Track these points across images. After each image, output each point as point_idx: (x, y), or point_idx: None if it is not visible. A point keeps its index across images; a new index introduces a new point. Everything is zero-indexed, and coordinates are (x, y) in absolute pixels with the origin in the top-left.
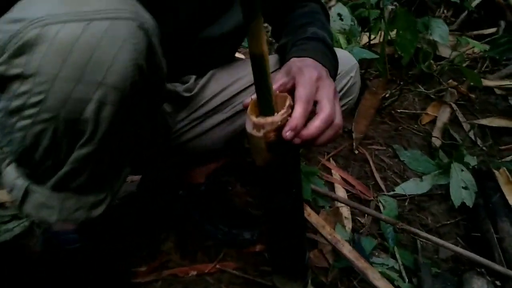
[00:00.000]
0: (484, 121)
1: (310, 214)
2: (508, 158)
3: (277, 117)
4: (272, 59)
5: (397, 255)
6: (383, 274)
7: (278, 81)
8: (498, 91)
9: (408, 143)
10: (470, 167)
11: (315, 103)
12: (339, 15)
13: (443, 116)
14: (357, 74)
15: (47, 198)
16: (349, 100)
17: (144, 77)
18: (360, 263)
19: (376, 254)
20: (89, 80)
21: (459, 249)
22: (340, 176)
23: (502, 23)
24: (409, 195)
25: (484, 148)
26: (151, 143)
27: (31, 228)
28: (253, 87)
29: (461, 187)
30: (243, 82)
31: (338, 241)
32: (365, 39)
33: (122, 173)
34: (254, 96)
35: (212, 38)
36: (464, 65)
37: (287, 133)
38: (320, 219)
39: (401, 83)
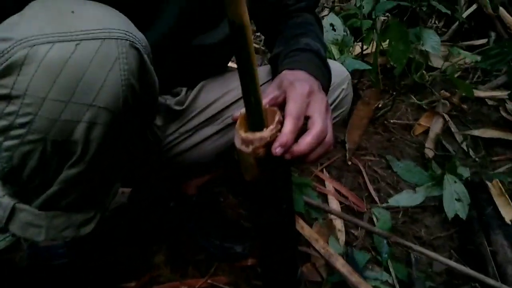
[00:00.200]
0: (476, 132)
1: (303, 227)
2: (501, 169)
3: (266, 133)
4: (264, 70)
5: (391, 269)
6: None
7: (269, 94)
8: (490, 102)
9: (401, 154)
10: (463, 178)
11: (306, 118)
12: (332, 25)
13: (436, 126)
14: (349, 86)
15: (34, 217)
16: (341, 112)
17: (136, 97)
18: (354, 277)
19: (370, 267)
20: (79, 102)
21: (453, 263)
22: (334, 187)
23: (493, 34)
24: (402, 207)
25: (476, 159)
26: (142, 157)
27: (18, 243)
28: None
29: (455, 199)
30: (234, 94)
31: (331, 255)
32: (357, 49)
33: (112, 190)
34: (243, 110)
35: (204, 47)
36: (456, 75)
37: (276, 149)
38: (313, 232)
39: (394, 93)
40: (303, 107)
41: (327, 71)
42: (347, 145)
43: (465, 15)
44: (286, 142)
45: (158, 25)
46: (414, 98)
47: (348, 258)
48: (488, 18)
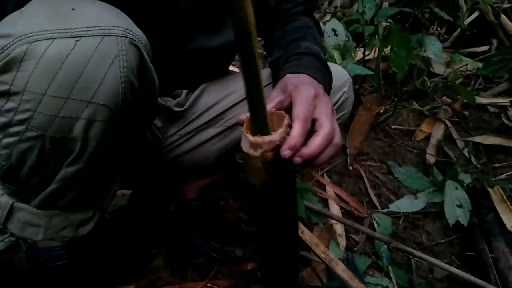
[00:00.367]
0: (478, 139)
1: (304, 232)
2: (502, 176)
3: (275, 136)
4: (264, 73)
5: (392, 275)
6: None
7: (274, 99)
8: (491, 109)
9: (403, 160)
10: (464, 185)
11: (313, 121)
12: (334, 30)
13: (437, 133)
14: (350, 89)
15: (33, 216)
16: (342, 115)
17: (135, 94)
18: (354, 283)
19: (370, 273)
20: (78, 98)
21: (454, 270)
22: (334, 192)
23: (494, 42)
24: (403, 212)
25: (478, 165)
26: (141, 158)
27: (17, 244)
28: (244, 102)
29: (456, 205)
30: (235, 97)
31: (332, 260)
32: (359, 55)
33: (111, 190)
34: (248, 113)
35: (205, 50)
36: (457, 82)
37: (285, 152)
38: (313, 237)
39: (395, 99)
40: (310, 110)
41: (328, 74)
42: (348, 150)
43: (467, 22)
44: (295, 145)
45: (164, 26)
46: (416, 104)
47: (349, 263)
48: (490, 25)
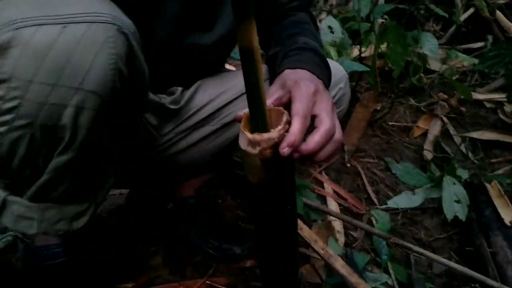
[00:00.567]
0: (475, 134)
1: (302, 228)
2: (499, 171)
3: (274, 133)
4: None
5: (391, 270)
6: None
7: (273, 95)
8: (487, 104)
9: (400, 156)
10: (462, 180)
11: (313, 117)
12: (330, 28)
13: (434, 129)
14: (346, 85)
15: (26, 209)
16: (339, 112)
17: (124, 82)
18: (354, 278)
19: (369, 269)
20: (66, 85)
21: (453, 264)
22: (332, 189)
23: (490, 38)
24: (401, 208)
25: (475, 161)
26: (136, 155)
27: (14, 244)
28: (240, 99)
29: (454, 200)
30: (230, 94)
31: (331, 256)
32: (355, 51)
33: (105, 183)
34: (246, 110)
35: (200, 47)
36: (453, 78)
37: (284, 149)
38: (312, 233)
39: (392, 96)
40: (309, 107)
41: (327, 69)
42: (345, 148)
43: (462, 18)
44: (294, 142)
45: (159, 24)
46: (413, 101)
47: (348, 259)
48: (485, 22)
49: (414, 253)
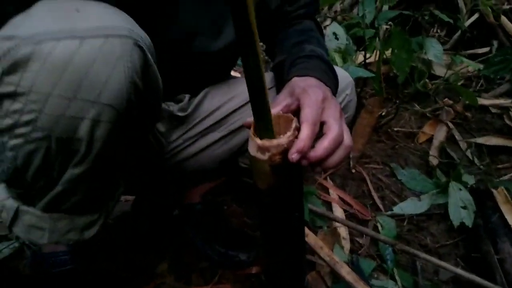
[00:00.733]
0: (480, 140)
1: (308, 235)
2: (506, 177)
3: (283, 140)
4: (267, 77)
5: (397, 277)
6: None
7: (281, 102)
8: (493, 110)
9: (406, 162)
10: (468, 186)
11: (322, 123)
12: (335, 34)
13: (440, 134)
14: (352, 91)
15: (38, 219)
16: (345, 118)
17: (140, 95)
18: (359, 285)
19: (375, 276)
20: (84, 98)
21: (459, 271)
22: (338, 195)
23: (495, 43)
24: (407, 214)
25: (481, 167)
26: (145, 163)
27: (21, 250)
28: (248, 106)
29: (460, 206)
30: (237, 101)
31: (337, 262)
32: (360, 58)
33: (115, 193)
34: None
35: (207, 54)
36: (459, 83)
37: (293, 156)
38: (318, 240)
39: (397, 101)
40: (318, 113)
41: (334, 76)
42: (351, 153)
43: (467, 24)
44: (303, 148)
45: (169, 32)
46: (418, 106)
47: (354, 266)
48: (490, 27)
49: (420, 260)
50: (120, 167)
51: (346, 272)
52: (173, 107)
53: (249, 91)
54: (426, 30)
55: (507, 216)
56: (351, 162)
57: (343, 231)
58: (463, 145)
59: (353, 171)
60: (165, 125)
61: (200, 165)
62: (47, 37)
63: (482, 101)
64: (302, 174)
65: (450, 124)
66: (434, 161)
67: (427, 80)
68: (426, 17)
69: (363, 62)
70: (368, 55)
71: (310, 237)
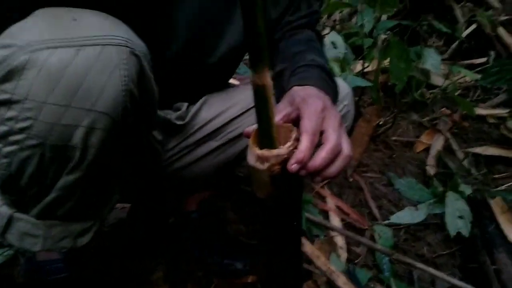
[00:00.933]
0: (477, 150)
1: (305, 244)
2: (503, 187)
3: (283, 150)
4: None
5: (393, 287)
6: None
7: (281, 111)
8: (490, 120)
9: (403, 171)
10: (465, 196)
11: (321, 133)
12: (333, 43)
13: (437, 144)
14: (350, 102)
15: (32, 227)
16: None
17: (135, 103)
18: None
19: (372, 285)
20: (79, 106)
21: (456, 281)
22: (335, 204)
23: (492, 53)
24: (404, 224)
25: (478, 176)
26: (141, 171)
27: (15, 257)
28: (246, 115)
29: (457, 216)
30: (236, 110)
31: (333, 272)
32: (358, 67)
33: (110, 201)
34: (255, 126)
35: (206, 65)
36: (456, 93)
37: (293, 166)
38: (314, 249)
39: (395, 110)
40: (318, 123)
41: (334, 86)
42: None
43: (464, 34)
44: (303, 159)
45: (169, 43)
46: (415, 116)
47: (350, 275)
48: (487, 37)
49: (416, 270)
50: (115, 175)
51: (342, 282)
52: (171, 115)
53: (254, 100)
54: (424, 39)
55: (504, 227)
56: (348, 171)
57: (340, 240)
58: (460, 154)
59: (351, 179)
60: (162, 133)
61: (197, 173)
62: (43, 45)
63: (479, 111)
64: (302, 184)
65: (448, 134)
66: (431, 170)
67: (425, 90)
68: (424, 27)
69: (361, 71)
70: (366, 64)
71: (307, 246)
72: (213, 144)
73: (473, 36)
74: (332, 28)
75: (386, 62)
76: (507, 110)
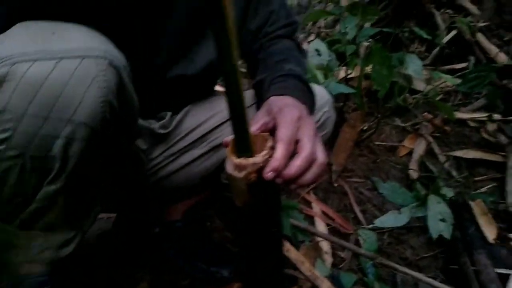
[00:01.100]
0: (459, 153)
1: (289, 250)
2: (483, 189)
3: (258, 158)
4: (247, 95)
5: None
6: None
7: (259, 121)
8: (471, 123)
9: (387, 175)
10: (447, 199)
11: (296, 142)
12: (317, 50)
13: (419, 148)
14: (331, 108)
15: (13, 238)
16: (324, 134)
17: (114, 114)
18: None
19: None
20: (58, 117)
21: (437, 283)
22: (320, 209)
23: (472, 58)
24: (388, 228)
25: (459, 179)
26: (124, 180)
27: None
28: (228, 123)
29: (438, 219)
30: (218, 118)
31: (317, 277)
32: (342, 73)
33: (92, 211)
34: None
35: (186, 77)
36: (438, 98)
37: (268, 174)
38: (299, 255)
39: (379, 116)
40: (293, 133)
41: (311, 95)
42: (333, 167)
43: (445, 40)
44: (278, 167)
45: (146, 58)
46: (398, 121)
47: (334, 280)
48: (467, 43)
49: (400, 273)
50: (96, 185)
51: (326, 287)
52: (154, 124)
53: (229, 112)
54: (406, 46)
55: (484, 228)
56: (333, 176)
57: (325, 245)
58: (442, 158)
59: (336, 185)
60: (146, 143)
61: (181, 181)
62: (23, 58)
63: (460, 115)
64: (278, 191)
65: (430, 138)
66: (414, 174)
67: (407, 95)
68: (406, 34)
69: (345, 78)
70: (349, 71)
71: (292, 252)
72: (196, 152)
73: (454, 42)
74: (317, 34)
75: (369, 68)
76: (487, 114)
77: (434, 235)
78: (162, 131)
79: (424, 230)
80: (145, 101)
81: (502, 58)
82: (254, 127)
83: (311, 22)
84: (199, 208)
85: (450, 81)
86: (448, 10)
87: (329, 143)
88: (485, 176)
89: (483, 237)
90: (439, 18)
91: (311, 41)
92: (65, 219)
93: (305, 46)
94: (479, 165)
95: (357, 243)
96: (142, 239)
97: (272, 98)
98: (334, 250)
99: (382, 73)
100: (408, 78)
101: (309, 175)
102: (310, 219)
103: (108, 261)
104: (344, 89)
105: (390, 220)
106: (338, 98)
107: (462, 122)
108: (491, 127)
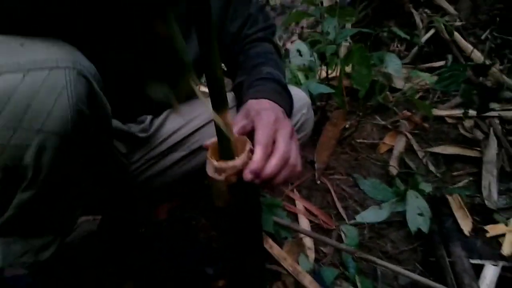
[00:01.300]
0: (437, 149)
1: (272, 247)
2: (460, 184)
3: (238, 161)
4: (228, 97)
5: (358, 284)
6: None
7: (237, 124)
8: (449, 120)
9: (368, 172)
10: (425, 193)
11: (274, 143)
12: (298, 51)
13: (399, 145)
14: (309, 110)
15: None
16: (303, 135)
17: (86, 121)
18: None
19: (338, 283)
20: (28, 128)
21: (415, 276)
22: (304, 206)
23: (450, 57)
24: (368, 223)
25: (438, 175)
26: (107, 183)
27: None
28: (208, 126)
29: (417, 213)
30: (198, 121)
31: (300, 272)
32: (324, 73)
33: (72, 215)
34: (213, 139)
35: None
36: (417, 96)
37: (247, 176)
38: (281, 251)
39: (360, 114)
40: (271, 135)
41: (289, 97)
42: (316, 165)
43: (423, 39)
44: (257, 169)
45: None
46: (379, 119)
47: (315, 275)
48: (445, 42)
49: (379, 266)
50: (73, 189)
51: (308, 281)
52: (134, 128)
53: (215, 123)
54: (387, 45)
55: (460, 221)
56: (316, 174)
57: (308, 241)
58: (421, 154)
59: (318, 182)
60: (126, 147)
61: (164, 183)
62: None
63: (438, 112)
64: (258, 192)
65: (409, 135)
66: (394, 170)
67: (388, 93)
68: (385, 33)
69: (326, 78)
70: (330, 71)
71: (275, 249)
72: (177, 155)
73: (432, 41)
74: (300, 35)
75: (349, 68)
76: (463, 111)
77: (413, 229)
78: (142, 135)
79: (404, 225)
80: (125, 105)
81: (478, 56)
82: (233, 130)
83: (294, 23)
84: (184, 207)
85: (427, 79)
86: (426, 10)
87: (312, 142)
88: (462, 171)
89: (459, 230)
90: (417, 18)
91: (294, 41)
92: (43, 223)
93: (288, 46)
94: (457, 160)
95: (339, 238)
96: (127, 239)
97: (250, 102)
98: (316, 246)
99: (361, 72)
100: (388, 77)
101: (280, 176)
102: (294, 216)
103: (94, 262)
104: (324, 89)
105: (371, 215)
106: (320, 97)
107: (440, 119)
108: (468, 123)
